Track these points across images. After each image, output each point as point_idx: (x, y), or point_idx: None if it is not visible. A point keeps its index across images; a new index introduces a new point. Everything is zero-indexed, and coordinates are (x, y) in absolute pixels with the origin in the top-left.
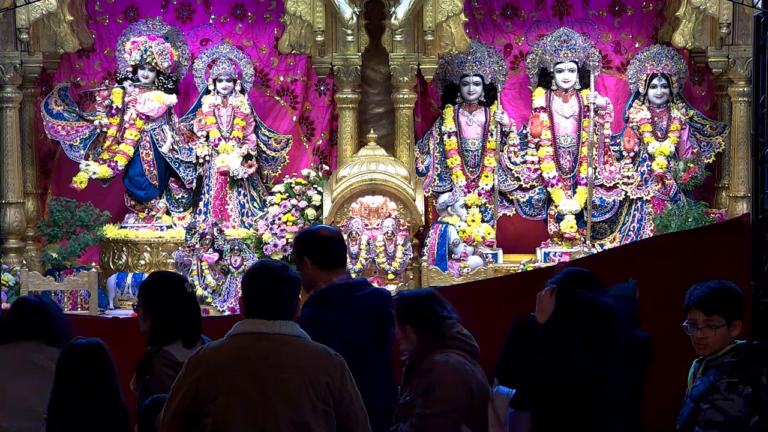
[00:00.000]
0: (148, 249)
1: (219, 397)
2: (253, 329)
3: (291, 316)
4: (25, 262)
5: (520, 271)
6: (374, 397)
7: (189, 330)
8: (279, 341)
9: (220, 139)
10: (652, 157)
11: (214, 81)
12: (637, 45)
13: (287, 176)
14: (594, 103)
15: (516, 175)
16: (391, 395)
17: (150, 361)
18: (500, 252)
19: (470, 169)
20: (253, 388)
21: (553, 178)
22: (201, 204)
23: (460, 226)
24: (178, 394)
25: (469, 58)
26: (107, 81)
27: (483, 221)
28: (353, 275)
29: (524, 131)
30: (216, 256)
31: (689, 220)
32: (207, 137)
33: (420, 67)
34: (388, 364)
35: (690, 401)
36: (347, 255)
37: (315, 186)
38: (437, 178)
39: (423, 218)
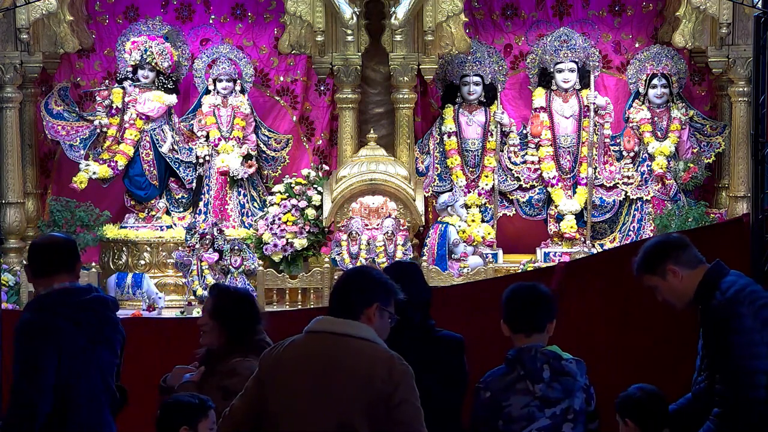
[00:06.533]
0: (148, 249)
1: (277, 393)
2: (329, 328)
3: (358, 318)
4: (25, 262)
5: (520, 271)
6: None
7: None
8: (344, 343)
9: (220, 139)
10: (652, 157)
11: (214, 81)
12: (637, 45)
13: (287, 176)
14: (594, 103)
15: (516, 175)
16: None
17: None
18: (500, 252)
19: (470, 169)
20: (306, 387)
21: (553, 178)
22: (201, 204)
23: (460, 226)
24: (247, 389)
25: (469, 58)
26: (107, 81)
27: (483, 221)
28: None
29: (524, 131)
30: (216, 256)
31: (689, 220)
32: (207, 137)
33: (420, 67)
34: (110, 366)
35: None
36: (74, 261)
37: (315, 186)
38: (437, 178)
39: (423, 218)
